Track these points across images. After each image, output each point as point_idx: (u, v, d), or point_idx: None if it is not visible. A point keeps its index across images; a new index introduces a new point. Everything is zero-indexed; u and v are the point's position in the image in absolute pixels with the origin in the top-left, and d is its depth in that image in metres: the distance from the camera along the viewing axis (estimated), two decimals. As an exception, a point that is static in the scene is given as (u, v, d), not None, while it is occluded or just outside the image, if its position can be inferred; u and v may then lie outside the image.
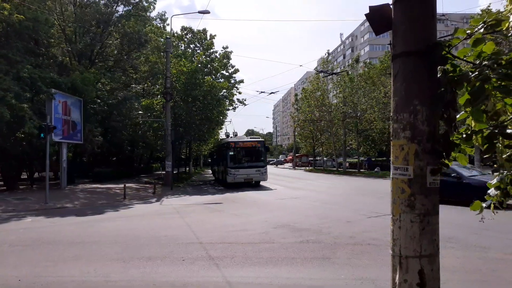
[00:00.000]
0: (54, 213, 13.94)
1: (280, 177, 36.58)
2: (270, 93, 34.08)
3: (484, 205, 2.52)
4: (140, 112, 31.28)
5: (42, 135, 16.47)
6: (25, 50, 21.71)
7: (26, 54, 21.47)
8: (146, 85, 35.83)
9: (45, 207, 15.45)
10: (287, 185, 26.19)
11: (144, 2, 30.26)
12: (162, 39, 32.60)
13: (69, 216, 13.43)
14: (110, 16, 28.01)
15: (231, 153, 25.51)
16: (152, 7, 31.23)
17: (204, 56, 35.76)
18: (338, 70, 50.62)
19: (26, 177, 27.99)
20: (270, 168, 69.44)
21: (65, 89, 22.37)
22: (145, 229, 10.59)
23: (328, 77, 43.68)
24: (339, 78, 43.38)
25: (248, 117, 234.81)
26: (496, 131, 2.20)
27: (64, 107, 22.49)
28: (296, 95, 56.44)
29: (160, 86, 32.59)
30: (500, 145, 2.31)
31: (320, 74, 42.76)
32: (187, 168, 48.88)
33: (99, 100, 29.06)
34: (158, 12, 53.18)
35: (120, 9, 29.73)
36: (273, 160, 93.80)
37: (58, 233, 10.08)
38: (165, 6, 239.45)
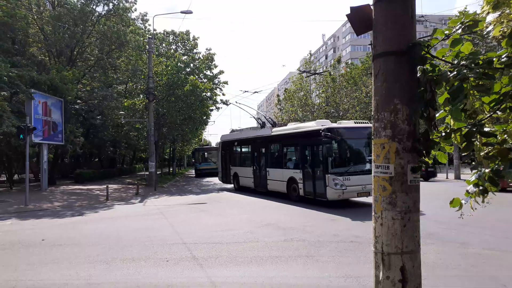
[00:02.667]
0: (34, 216, 13.65)
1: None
2: (254, 92, 34.00)
3: (463, 202, 2.58)
4: (122, 112, 30.88)
5: (21, 136, 16.09)
6: (1, 49, 21.18)
7: (2, 53, 20.94)
8: (128, 85, 35.42)
9: (25, 209, 15.10)
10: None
11: (124, 2, 29.87)
12: (141, 39, 32.30)
13: (50, 218, 13.16)
14: (89, 16, 27.59)
15: (336, 148, 13.88)
16: (133, 6, 30.84)
17: (186, 57, 35.57)
18: (321, 70, 50.96)
19: (5, 179, 27.32)
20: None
21: (45, 88, 21.90)
22: (128, 230, 10.46)
23: (311, 77, 44.03)
24: (322, 79, 43.78)
25: (232, 117, 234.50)
26: (474, 129, 2.25)
27: (44, 108, 22.02)
28: (278, 95, 56.65)
29: (142, 86, 32.28)
30: (478, 143, 2.36)
31: (303, 74, 43.02)
32: (171, 169, 48.50)
33: (80, 101, 28.58)
34: (140, 13, 52.43)
35: (100, 9, 29.32)
36: None
37: (39, 236, 9.86)
38: (146, 6, 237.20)
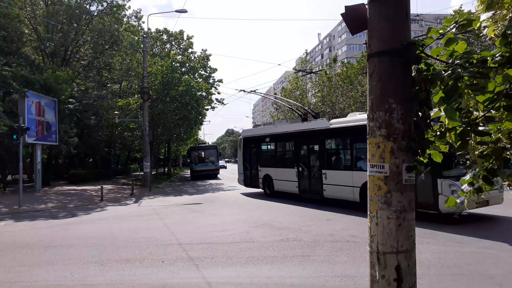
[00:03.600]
0: (28, 217, 13.55)
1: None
2: (250, 92, 33.98)
3: (458, 201, 2.58)
4: (116, 112, 30.80)
5: (14, 136, 15.98)
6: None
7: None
8: (122, 85, 35.30)
9: (19, 211, 14.99)
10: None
11: (118, 0, 29.80)
12: (136, 37, 32.22)
13: (44, 219, 13.07)
14: (82, 14, 27.47)
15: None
16: (127, 5, 30.86)
17: (180, 56, 35.58)
18: (316, 69, 51.03)
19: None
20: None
21: (39, 87, 21.76)
22: (123, 231, 10.41)
23: (307, 76, 44.06)
24: (318, 78, 43.84)
25: (228, 116, 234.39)
26: (469, 128, 2.25)
27: (37, 108, 21.89)
28: (275, 94, 56.62)
29: (137, 85, 32.21)
30: (472, 142, 2.36)
31: (299, 73, 43.04)
32: (166, 169, 48.32)
33: (73, 100, 28.44)
34: (133, 10, 52.15)
35: (94, 8, 29.24)
36: None
37: (33, 237, 9.80)
38: (141, 5, 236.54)
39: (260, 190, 18.67)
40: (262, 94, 25.01)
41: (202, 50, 37.86)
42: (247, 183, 19.82)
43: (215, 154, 39.13)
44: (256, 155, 19.20)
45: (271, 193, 17.60)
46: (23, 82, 20.34)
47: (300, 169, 15.71)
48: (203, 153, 39.49)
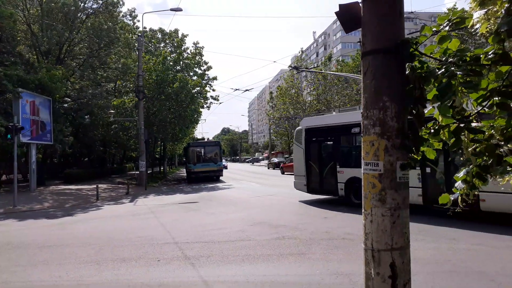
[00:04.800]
0: (23, 216, 13.48)
1: (258, 174, 36.79)
2: (245, 91, 34.03)
3: (452, 197, 2.60)
4: (111, 111, 30.70)
5: (9, 136, 15.89)
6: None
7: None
8: (117, 84, 35.16)
9: (13, 210, 14.91)
10: (263, 183, 26.29)
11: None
12: (130, 36, 32.12)
13: (39, 219, 13.01)
14: (77, 12, 27.33)
15: None
16: (121, 2, 30.61)
17: (174, 54, 35.48)
18: (312, 68, 51.11)
19: (-8, 179, 26.93)
20: (246, 166, 69.44)
21: (33, 87, 21.62)
22: (119, 230, 10.39)
23: (302, 74, 44.12)
24: (313, 76, 43.94)
25: (224, 115, 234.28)
26: (462, 125, 2.27)
27: (32, 107, 21.76)
28: (271, 92, 56.65)
29: (131, 83, 32.07)
30: (466, 139, 2.37)
31: (294, 71, 43.07)
32: (162, 168, 48.22)
33: (68, 99, 28.31)
34: (128, 9, 51.69)
35: (89, 5, 29.10)
36: (249, 158, 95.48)
37: (28, 237, 9.75)
38: (136, 3, 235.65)
39: (327, 196, 14.89)
40: (322, 72, 23.64)
41: (194, 43, 37.45)
42: (313, 189, 14.88)
43: (217, 152, 32.16)
44: (331, 152, 14.39)
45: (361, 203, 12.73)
46: (17, 82, 20.20)
47: (429, 170, 10.57)
48: (203, 150, 32.15)
